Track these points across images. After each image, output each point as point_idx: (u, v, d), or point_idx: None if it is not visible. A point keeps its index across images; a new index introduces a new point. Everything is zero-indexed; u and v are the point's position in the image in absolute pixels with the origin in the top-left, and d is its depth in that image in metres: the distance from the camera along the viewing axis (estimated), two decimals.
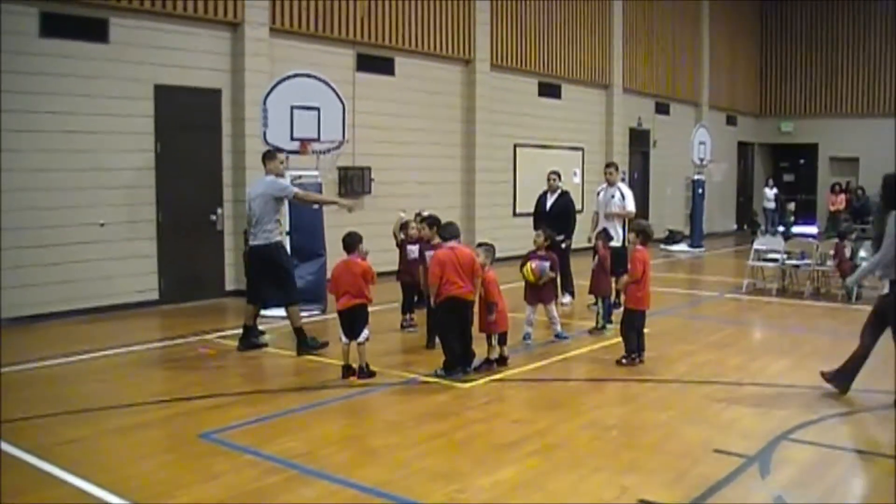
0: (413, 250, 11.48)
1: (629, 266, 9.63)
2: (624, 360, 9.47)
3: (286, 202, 10.91)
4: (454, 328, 8.87)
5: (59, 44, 11.81)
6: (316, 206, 11.99)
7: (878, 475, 6.38)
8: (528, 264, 10.37)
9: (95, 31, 12.24)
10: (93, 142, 12.22)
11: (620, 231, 12.80)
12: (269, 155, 10.63)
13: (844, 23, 30.76)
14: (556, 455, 6.52)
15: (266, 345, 10.30)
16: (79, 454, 6.47)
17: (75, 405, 7.72)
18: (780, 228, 24.70)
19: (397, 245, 11.71)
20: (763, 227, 26.54)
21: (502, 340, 9.32)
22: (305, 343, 10.03)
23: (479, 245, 9.55)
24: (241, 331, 10.58)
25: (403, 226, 11.73)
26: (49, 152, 11.73)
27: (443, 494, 5.65)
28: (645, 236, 9.76)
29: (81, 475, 5.92)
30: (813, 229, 26.80)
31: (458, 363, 8.84)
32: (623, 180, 14.10)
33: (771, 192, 29.19)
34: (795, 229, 24.83)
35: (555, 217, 12.92)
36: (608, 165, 13.79)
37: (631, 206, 13.12)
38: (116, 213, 12.56)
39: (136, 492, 5.65)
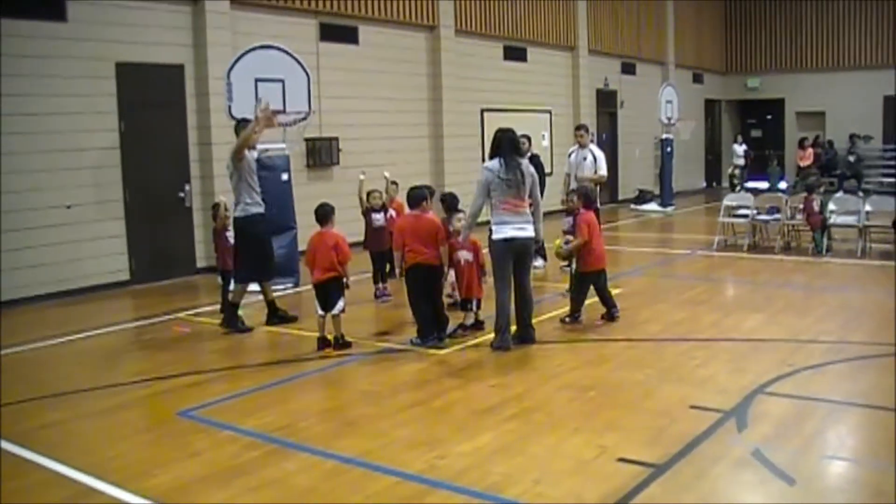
0: (378, 218, 11.45)
1: (577, 230, 9.82)
2: (567, 320, 9.67)
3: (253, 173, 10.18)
4: (423, 295, 8.86)
5: (16, 24, 11.56)
6: (255, 150, 10.55)
7: (854, 425, 6.47)
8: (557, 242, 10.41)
9: (52, 10, 12.01)
10: (56, 123, 12.03)
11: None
12: (242, 124, 10.28)
13: None
14: (534, 418, 6.55)
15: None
16: (56, 438, 6.45)
17: (51, 389, 7.67)
18: (765, 185, 24.53)
19: (363, 213, 11.61)
20: (737, 184, 26.64)
21: (478, 305, 9.35)
22: (277, 315, 10.07)
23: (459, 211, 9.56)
24: (218, 307, 10.53)
25: (368, 194, 11.64)
26: (11, 135, 11.51)
27: (423, 462, 5.66)
28: (588, 200, 10.06)
29: (60, 459, 5.89)
30: (782, 184, 26.98)
31: (431, 330, 8.85)
32: (592, 142, 14.00)
33: (740, 149, 29.29)
34: (763, 184, 24.89)
35: None
36: (578, 128, 13.61)
37: (603, 169, 13.04)
38: (83, 195, 12.40)
39: (116, 473, 5.63)
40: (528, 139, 13.61)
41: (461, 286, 9.28)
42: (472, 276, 9.22)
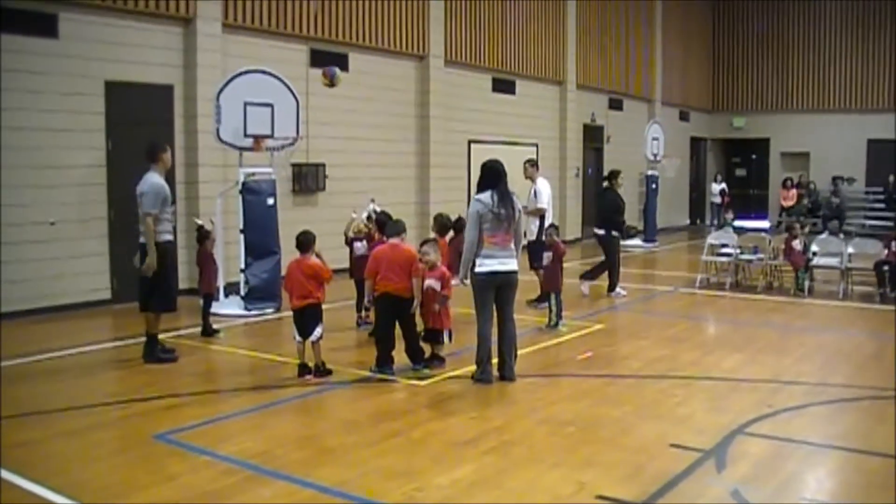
0: (359, 247, 11.40)
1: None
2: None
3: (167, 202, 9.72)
4: (389, 324, 8.83)
5: (7, 39, 11.56)
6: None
7: (833, 468, 6.48)
8: None
9: (45, 26, 12.01)
10: (43, 139, 12.00)
11: (534, 227, 12.84)
12: (162, 147, 9.92)
13: (795, 20, 31.10)
14: (513, 452, 6.53)
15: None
16: (31, 457, 6.37)
17: (26, 407, 7.59)
18: (773, 221, 24.20)
19: (346, 243, 11.59)
20: (709, 223, 26.63)
21: (444, 337, 9.10)
22: (154, 353, 9.54)
23: (425, 242, 9.49)
24: (199, 329, 10.47)
25: (350, 223, 11.63)
26: None
27: (401, 493, 5.63)
28: (441, 227, 10.92)
29: (34, 478, 5.83)
30: (765, 224, 27.09)
31: (388, 359, 8.76)
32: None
33: (717, 187, 29.44)
34: (749, 223, 24.93)
35: None
36: (525, 162, 13.88)
37: (542, 202, 13.14)
38: (67, 212, 12.35)
39: (90, 494, 5.58)
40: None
41: (425, 315, 9.09)
42: (431, 305, 9.04)
